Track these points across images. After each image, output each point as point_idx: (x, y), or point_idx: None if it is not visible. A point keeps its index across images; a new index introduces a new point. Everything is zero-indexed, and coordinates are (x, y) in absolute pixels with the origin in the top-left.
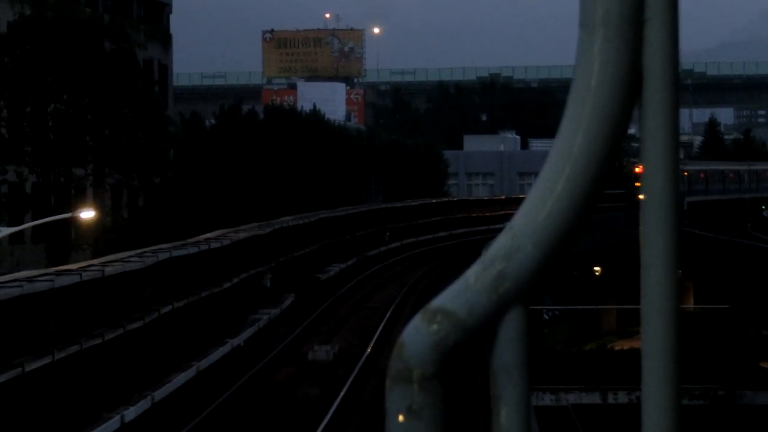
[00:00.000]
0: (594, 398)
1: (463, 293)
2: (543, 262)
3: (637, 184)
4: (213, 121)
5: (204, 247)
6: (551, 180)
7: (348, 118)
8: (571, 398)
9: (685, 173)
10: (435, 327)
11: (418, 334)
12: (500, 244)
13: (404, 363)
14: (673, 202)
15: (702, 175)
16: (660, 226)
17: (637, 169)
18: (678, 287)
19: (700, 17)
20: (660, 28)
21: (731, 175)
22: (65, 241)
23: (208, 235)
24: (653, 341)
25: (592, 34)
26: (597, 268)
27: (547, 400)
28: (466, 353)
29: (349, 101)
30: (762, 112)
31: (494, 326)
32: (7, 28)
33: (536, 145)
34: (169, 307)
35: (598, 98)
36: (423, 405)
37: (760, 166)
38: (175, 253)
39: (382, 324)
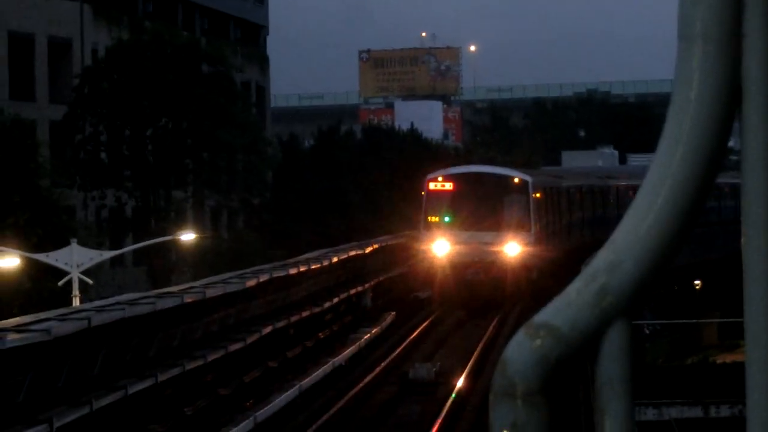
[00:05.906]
0: (696, 412)
1: (565, 308)
2: (645, 275)
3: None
4: (311, 142)
5: (304, 267)
6: (652, 194)
7: (445, 136)
8: (674, 412)
9: None
10: (538, 342)
11: (521, 350)
12: (602, 258)
13: (508, 379)
14: None
15: None
16: (762, 240)
17: (432, 185)
18: None
19: None
20: (759, 41)
21: None
22: (166, 263)
23: (308, 255)
24: (757, 354)
25: (691, 47)
26: (697, 282)
27: (650, 414)
28: (569, 368)
29: (446, 119)
30: None
31: (597, 340)
32: (105, 53)
33: (635, 160)
34: (270, 327)
35: (697, 111)
36: (527, 421)
37: None
38: (275, 273)
39: (483, 342)
